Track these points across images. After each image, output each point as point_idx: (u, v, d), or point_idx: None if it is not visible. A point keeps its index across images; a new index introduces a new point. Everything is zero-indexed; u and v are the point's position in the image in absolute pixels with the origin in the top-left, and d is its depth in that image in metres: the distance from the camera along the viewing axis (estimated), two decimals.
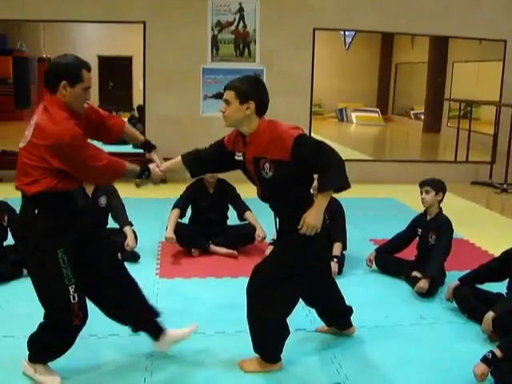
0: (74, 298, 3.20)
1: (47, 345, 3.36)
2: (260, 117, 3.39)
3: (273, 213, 3.62)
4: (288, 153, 3.23)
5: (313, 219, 3.24)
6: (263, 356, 3.62)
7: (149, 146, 3.72)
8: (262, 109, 3.38)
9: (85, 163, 3.10)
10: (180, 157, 3.71)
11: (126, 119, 13.33)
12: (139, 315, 3.64)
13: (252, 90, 3.36)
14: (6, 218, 5.15)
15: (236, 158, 3.52)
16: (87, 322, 3.32)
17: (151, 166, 3.60)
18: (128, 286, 3.58)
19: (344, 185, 3.24)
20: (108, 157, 3.24)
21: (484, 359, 3.40)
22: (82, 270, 3.29)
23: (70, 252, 3.20)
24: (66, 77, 3.08)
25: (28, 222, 3.18)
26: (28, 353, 3.41)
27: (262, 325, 3.52)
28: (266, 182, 3.39)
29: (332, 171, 3.21)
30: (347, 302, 4.02)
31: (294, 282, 3.48)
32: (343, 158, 3.27)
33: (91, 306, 3.71)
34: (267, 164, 3.32)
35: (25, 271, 5.00)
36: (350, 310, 4.05)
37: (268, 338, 3.60)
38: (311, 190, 3.52)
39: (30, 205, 3.16)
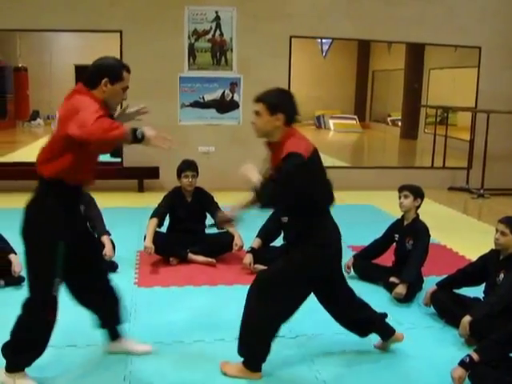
0: (55, 291, 3.32)
1: (21, 342, 3.36)
2: (288, 126, 3.47)
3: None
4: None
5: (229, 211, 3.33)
6: (247, 360, 3.61)
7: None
8: (290, 120, 3.47)
9: (79, 108, 3.09)
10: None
11: None
12: (110, 319, 3.80)
13: (281, 102, 3.45)
14: None
15: None
16: (57, 328, 3.30)
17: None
18: (109, 289, 3.74)
19: (262, 200, 3.30)
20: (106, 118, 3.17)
21: (462, 363, 3.42)
22: (72, 265, 3.42)
23: (67, 248, 3.32)
24: (107, 75, 3.29)
25: (39, 207, 3.30)
26: (5, 364, 3.39)
27: (256, 329, 3.53)
28: None
29: (263, 189, 3.27)
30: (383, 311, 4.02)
31: (295, 289, 3.54)
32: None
33: (71, 318, 3.71)
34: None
35: (1, 282, 5.09)
36: (373, 319, 3.96)
37: (258, 343, 3.60)
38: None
39: (44, 191, 3.30)
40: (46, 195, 3.29)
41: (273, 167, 3.48)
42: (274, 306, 3.48)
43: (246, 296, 3.59)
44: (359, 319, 3.93)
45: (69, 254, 3.34)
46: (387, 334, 4.01)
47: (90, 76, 3.33)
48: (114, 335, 3.84)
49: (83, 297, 3.65)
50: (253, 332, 3.55)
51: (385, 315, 4.07)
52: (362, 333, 4.01)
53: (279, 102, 3.44)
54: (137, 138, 3.09)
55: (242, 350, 3.62)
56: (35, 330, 3.35)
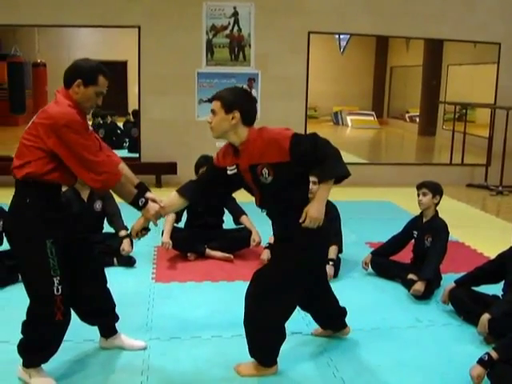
0: (57, 290, 3.23)
1: (33, 343, 3.34)
2: (248, 126, 3.39)
3: (271, 220, 3.61)
4: (286, 153, 3.24)
5: (316, 211, 3.26)
6: (259, 360, 3.60)
7: (142, 189, 3.62)
8: (248, 118, 3.38)
9: (78, 151, 3.13)
10: (175, 191, 3.68)
11: (121, 124, 13.36)
12: (104, 319, 3.79)
13: (237, 100, 3.37)
14: (0, 223, 5.11)
15: (229, 172, 3.49)
16: (75, 322, 3.30)
17: (150, 197, 3.58)
18: (104, 298, 3.71)
19: (345, 173, 3.28)
20: (105, 157, 3.30)
21: (480, 361, 3.39)
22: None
23: (59, 246, 3.24)
24: (81, 76, 3.24)
25: (19, 209, 3.23)
26: (21, 359, 3.40)
27: (260, 330, 3.50)
28: (267, 188, 3.37)
29: (331, 161, 3.24)
30: (343, 305, 4.02)
31: (294, 287, 3.48)
32: None
33: None
34: (265, 169, 3.31)
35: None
36: (344, 312, 4.04)
37: (265, 343, 3.59)
38: (309, 195, 3.51)
39: (21, 193, 3.23)
40: (25, 196, 3.20)
41: (244, 169, 3.40)
42: (274, 303, 3.43)
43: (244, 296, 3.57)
44: (335, 315, 4.03)
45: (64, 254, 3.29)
46: (341, 327, 4.10)
47: (65, 74, 3.31)
48: (109, 332, 3.84)
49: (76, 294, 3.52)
50: (257, 333, 3.53)
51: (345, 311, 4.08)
52: (338, 328, 4.10)
53: (235, 100, 3.36)
54: (138, 203, 3.46)
55: (251, 352, 3.61)
56: (45, 333, 3.31)
